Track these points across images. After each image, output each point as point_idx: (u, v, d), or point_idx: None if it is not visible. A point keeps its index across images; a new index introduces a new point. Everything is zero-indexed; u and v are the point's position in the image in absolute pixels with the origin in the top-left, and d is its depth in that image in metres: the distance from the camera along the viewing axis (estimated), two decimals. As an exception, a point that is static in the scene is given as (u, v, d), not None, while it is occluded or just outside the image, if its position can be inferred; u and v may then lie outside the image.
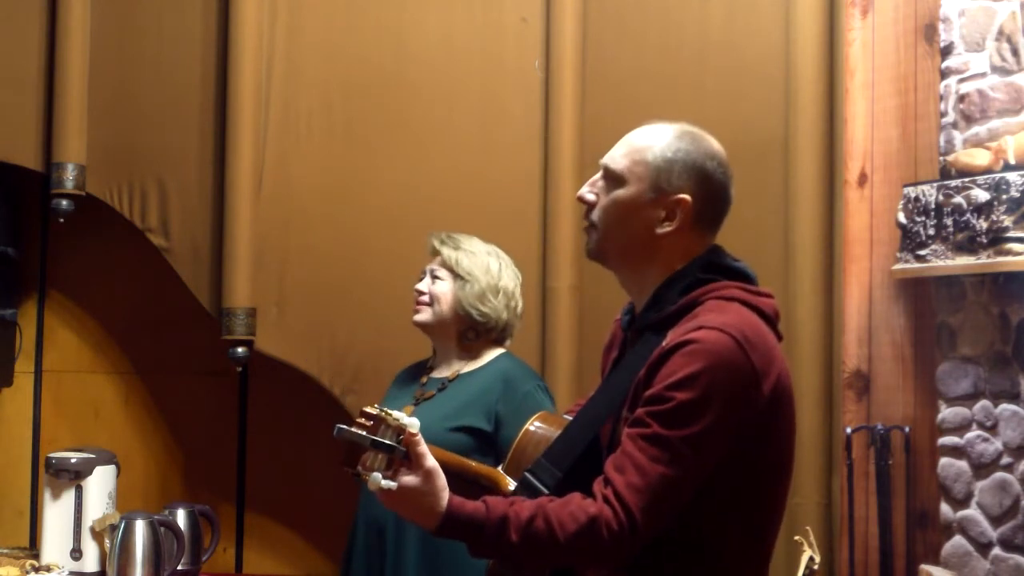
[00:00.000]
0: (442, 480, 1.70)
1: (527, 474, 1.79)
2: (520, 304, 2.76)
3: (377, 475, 1.66)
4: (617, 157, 1.84)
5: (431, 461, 1.70)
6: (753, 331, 1.73)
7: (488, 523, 1.67)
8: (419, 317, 2.74)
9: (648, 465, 1.65)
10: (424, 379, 2.75)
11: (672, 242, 1.81)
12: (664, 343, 1.72)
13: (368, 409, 1.70)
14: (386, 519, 2.62)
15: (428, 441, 2.56)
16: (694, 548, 1.75)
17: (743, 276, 1.83)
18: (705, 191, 1.82)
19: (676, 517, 1.70)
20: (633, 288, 1.87)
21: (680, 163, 1.81)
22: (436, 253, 2.76)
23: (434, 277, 2.73)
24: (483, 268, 2.71)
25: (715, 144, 1.86)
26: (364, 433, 1.67)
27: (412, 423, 1.69)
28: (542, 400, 2.59)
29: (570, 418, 1.92)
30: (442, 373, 2.74)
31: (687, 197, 1.80)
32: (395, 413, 1.69)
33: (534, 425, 1.98)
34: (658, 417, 1.67)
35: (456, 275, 2.70)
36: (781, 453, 1.80)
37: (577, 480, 1.74)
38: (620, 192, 1.82)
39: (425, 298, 2.72)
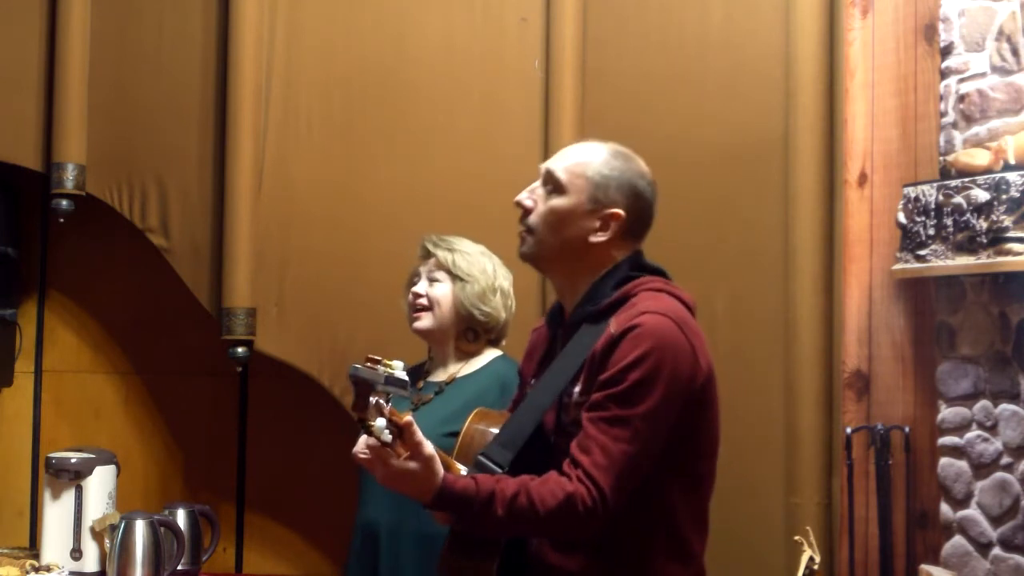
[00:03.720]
0: (438, 463, 1.84)
1: (480, 456, 1.96)
2: (514, 303, 2.76)
3: (382, 421, 1.76)
4: (559, 167, 2.02)
5: (429, 448, 1.84)
6: (686, 316, 1.97)
7: (477, 499, 1.83)
8: (421, 324, 2.70)
9: (611, 444, 1.85)
10: (420, 384, 2.71)
11: (602, 250, 2.01)
12: (612, 330, 1.92)
13: (373, 356, 1.78)
14: (380, 523, 2.61)
15: None
16: (650, 514, 1.93)
17: (662, 275, 2.04)
18: (636, 207, 2.02)
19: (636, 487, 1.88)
20: (565, 289, 2.06)
21: (615, 180, 2.00)
22: (429, 256, 2.72)
23: (431, 280, 2.70)
24: (480, 268, 2.69)
25: (644, 165, 2.06)
26: (380, 369, 1.74)
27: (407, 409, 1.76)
28: None
29: (508, 413, 2.07)
30: (439, 377, 2.72)
31: (621, 212, 2.00)
32: (396, 369, 1.77)
33: (475, 422, 2.09)
34: (615, 399, 1.87)
35: (455, 277, 2.68)
36: (715, 425, 2.01)
37: (527, 460, 1.92)
38: (559, 201, 2.00)
39: (423, 301, 2.69)
